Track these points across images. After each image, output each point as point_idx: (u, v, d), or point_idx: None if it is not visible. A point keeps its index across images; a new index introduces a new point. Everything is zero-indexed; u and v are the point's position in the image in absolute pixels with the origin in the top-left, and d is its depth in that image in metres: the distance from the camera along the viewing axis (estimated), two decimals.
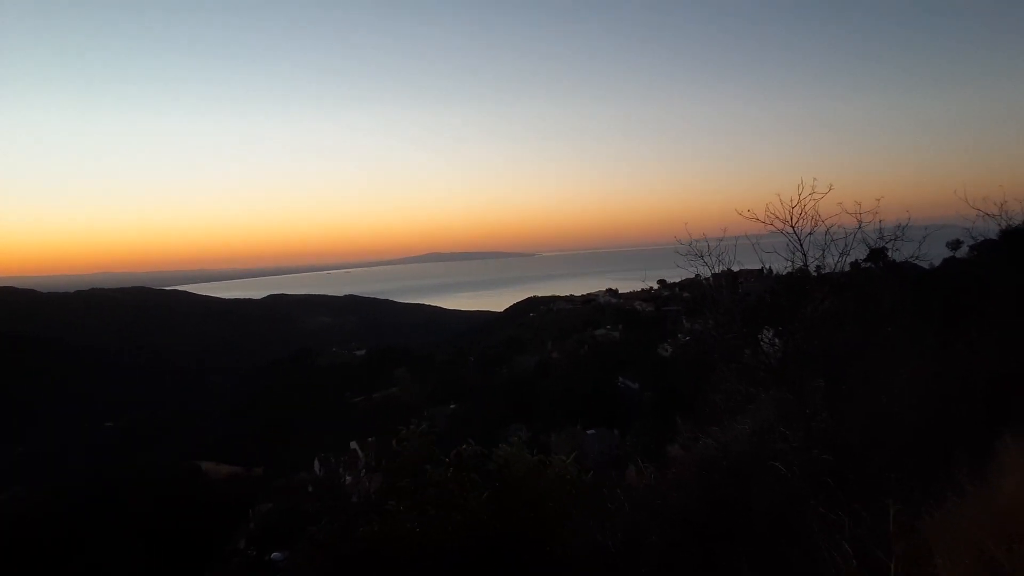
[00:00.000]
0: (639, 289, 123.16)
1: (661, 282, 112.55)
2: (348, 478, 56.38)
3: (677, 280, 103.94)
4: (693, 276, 8.91)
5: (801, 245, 7.61)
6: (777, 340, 8.21)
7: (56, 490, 64.38)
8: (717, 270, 8.24)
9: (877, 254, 8.13)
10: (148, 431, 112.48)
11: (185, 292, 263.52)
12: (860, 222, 7.42)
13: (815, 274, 7.86)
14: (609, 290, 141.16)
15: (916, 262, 8.24)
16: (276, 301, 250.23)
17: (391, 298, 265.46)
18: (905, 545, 3.32)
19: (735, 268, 8.58)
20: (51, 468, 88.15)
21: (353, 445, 66.82)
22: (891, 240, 7.63)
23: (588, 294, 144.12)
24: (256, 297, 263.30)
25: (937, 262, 13.44)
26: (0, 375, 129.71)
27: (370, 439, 64.53)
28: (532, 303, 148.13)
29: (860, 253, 7.89)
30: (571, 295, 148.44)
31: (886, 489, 3.85)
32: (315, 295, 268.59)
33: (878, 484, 4.14)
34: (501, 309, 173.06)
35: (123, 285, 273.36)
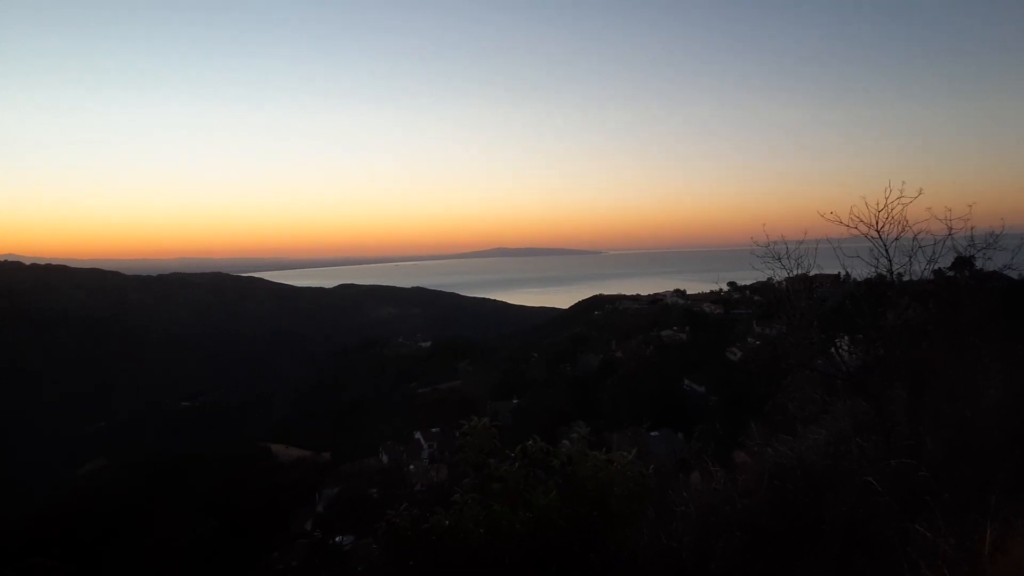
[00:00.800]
0: (708, 291, 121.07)
1: (731, 284, 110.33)
2: (412, 467, 57.32)
3: (748, 283, 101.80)
4: (765, 279, 8.72)
5: (886, 251, 7.36)
6: (855, 348, 7.97)
7: (134, 464, 67.55)
8: (794, 273, 8.04)
9: (964, 262, 7.80)
10: (222, 411, 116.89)
11: (260, 279, 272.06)
12: (950, 229, 7.12)
13: (898, 281, 7.59)
14: (677, 291, 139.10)
15: (1008, 272, 7.87)
16: (346, 290, 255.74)
17: (457, 291, 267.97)
18: (998, 566, 3.20)
19: (812, 272, 8.35)
20: (130, 443, 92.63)
21: (417, 435, 67.86)
22: (982, 248, 7.30)
23: (655, 294, 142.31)
24: (327, 286, 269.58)
25: None
26: (84, 353, 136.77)
27: (434, 430, 65.41)
28: (598, 301, 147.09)
29: (948, 261, 7.58)
30: (637, 294, 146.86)
31: (978, 506, 3.70)
32: (383, 286, 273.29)
33: (969, 501, 3.99)
34: (566, 306, 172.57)
35: (203, 271, 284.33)
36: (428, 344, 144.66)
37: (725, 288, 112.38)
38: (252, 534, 44.19)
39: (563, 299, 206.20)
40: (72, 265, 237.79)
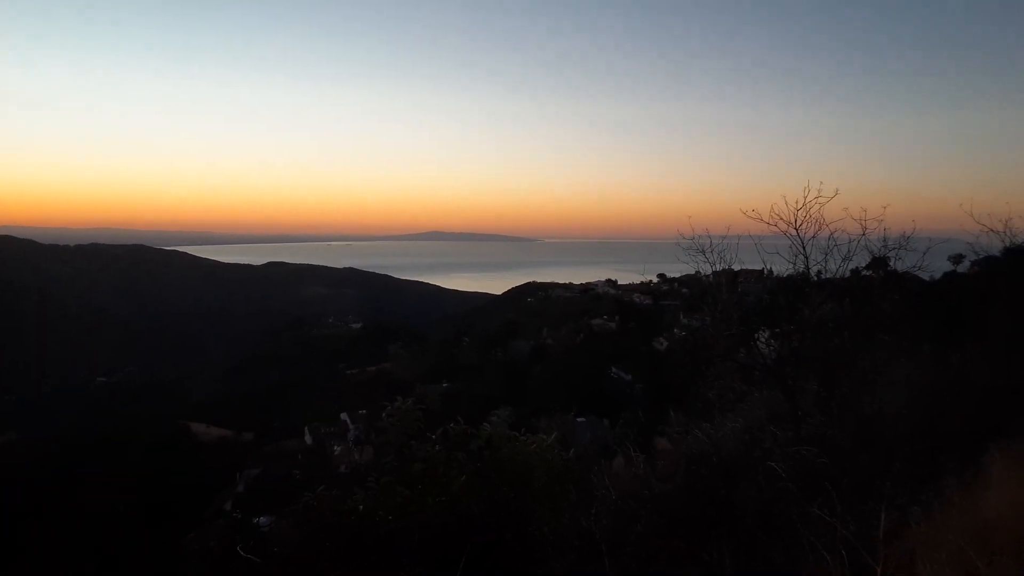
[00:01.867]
0: (638, 282, 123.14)
1: (660, 276, 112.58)
2: (337, 449, 56.65)
3: (677, 275, 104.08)
4: (694, 272, 8.94)
5: (804, 248, 7.61)
6: (773, 341, 8.25)
7: (47, 439, 64.70)
8: (718, 267, 8.26)
9: (879, 262, 8.14)
10: (140, 388, 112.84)
11: (184, 253, 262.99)
12: (864, 229, 7.41)
13: (815, 278, 7.87)
14: (608, 280, 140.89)
15: (918, 273, 8.25)
16: (275, 268, 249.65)
17: (391, 273, 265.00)
18: (891, 550, 3.36)
19: (736, 267, 8.59)
20: (43, 417, 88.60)
21: (344, 416, 67.06)
22: (894, 249, 7.63)
23: (587, 283, 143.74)
24: (255, 263, 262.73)
25: (938, 275, 13.44)
26: None
27: (361, 412, 64.69)
28: (531, 288, 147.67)
29: (863, 260, 7.90)
30: (570, 283, 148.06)
31: (875, 493, 3.89)
32: (314, 265, 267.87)
33: (868, 488, 4.19)
34: (499, 292, 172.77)
35: (123, 242, 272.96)
36: (359, 326, 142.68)
37: (655, 279, 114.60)
38: (170, 514, 42.98)
39: (497, 285, 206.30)
40: None
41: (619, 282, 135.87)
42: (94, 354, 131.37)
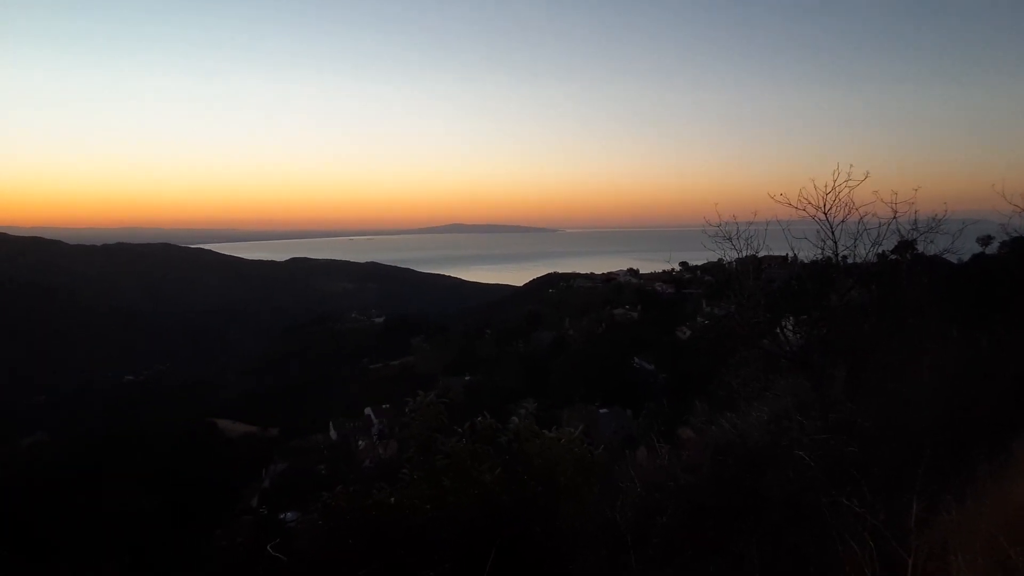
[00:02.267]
0: (661, 270, 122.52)
1: (683, 264, 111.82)
2: (362, 443, 57.09)
3: (700, 263, 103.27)
4: (717, 260, 8.82)
5: (832, 233, 7.47)
6: (799, 328, 8.13)
7: (77, 438, 65.76)
8: (744, 254, 8.14)
9: (906, 246, 7.98)
10: (166, 386, 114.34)
11: (209, 251, 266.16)
12: (896, 212, 7.25)
13: (843, 263, 7.73)
14: (630, 270, 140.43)
15: (946, 256, 8.08)
16: (298, 264, 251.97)
17: (412, 267, 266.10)
18: (922, 540, 3.29)
19: (761, 253, 8.47)
20: (72, 417, 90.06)
21: (368, 411, 67.55)
22: (925, 232, 7.46)
23: (609, 273, 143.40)
24: (279, 260, 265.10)
25: (967, 257, 13.18)
26: (24, 324, 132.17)
27: (385, 406, 65.10)
28: (552, 279, 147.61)
29: (892, 244, 7.74)
30: (591, 273, 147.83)
31: (906, 482, 3.81)
32: (337, 260, 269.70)
33: (898, 477, 4.10)
34: (521, 284, 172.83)
35: (149, 241, 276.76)
36: (382, 320, 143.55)
37: (677, 268, 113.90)
38: (197, 510, 43.50)
39: (518, 276, 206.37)
40: (12, 233, 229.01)
41: (641, 271, 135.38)
42: (121, 353, 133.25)
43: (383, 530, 5.41)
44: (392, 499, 5.73)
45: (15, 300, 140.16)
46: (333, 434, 64.96)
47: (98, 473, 50.13)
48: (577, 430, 7.05)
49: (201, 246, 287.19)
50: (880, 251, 7.77)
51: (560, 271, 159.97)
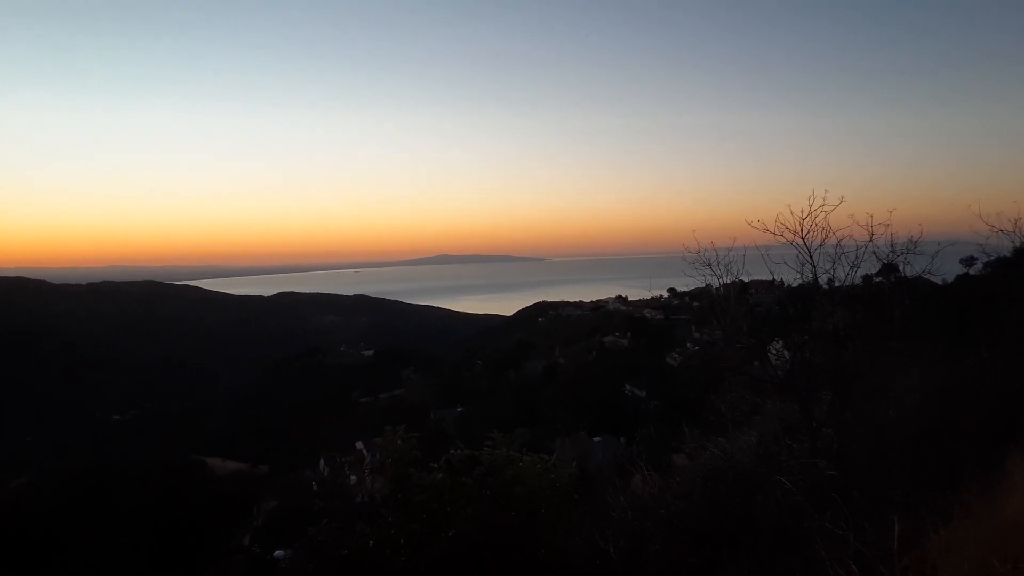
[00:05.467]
0: (649, 297, 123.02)
1: (671, 290, 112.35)
2: (353, 478, 56.46)
3: (687, 289, 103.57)
4: (704, 285, 8.89)
5: (811, 257, 7.57)
6: (785, 352, 8.18)
7: (64, 478, 64.66)
8: (725, 280, 8.21)
9: (889, 268, 8.08)
10: (155, 424, 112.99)
11: (195, 287, 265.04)
12: (871, 235, 7.36)
13: (825, 287, 7.82)
14: (619, 297, 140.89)
15: (929, 277, 8.18)
16: (285, 299, 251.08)
17: (400, 299, 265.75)
18: (909, 561, 3.30)
19: (745, 279, 8.54)
20: (58, 458, 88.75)
21: (359, 445, 66.90)
22: (903, 254, 7.57)
23: (597, 300, 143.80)
24: (266, 294, 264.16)
25: (950, 278, 13.33)
26: (9, 365, 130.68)
27: (376, 439, 64.45)
28: (541, 308, 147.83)
29: (871, 267, 7.83)
30: (580, 301, 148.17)
31: (891, 504, 3.82)
32: (324, 294, 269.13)
33: (883, 499, 4.12)
34: (510, 313, 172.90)
35: (134, 279, 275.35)
36: (371, 352, 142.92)
37: (665, 294, 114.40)
38: (188, 550, 42.82)
39: (507, 306, 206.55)
40: None
41: (629, 298, 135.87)
42: (108, 392, 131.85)
43: (366, 570, 5.36)
44: (371, 542, 5.65)
45: (0, 340, 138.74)
46: (324, 469, 64.23)
47: (88, 513, 49.31)
48: (555, 455, 7.02)
49: (187, 283, 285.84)
50: (864, 274, 7.87)
51: (549, 300, 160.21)
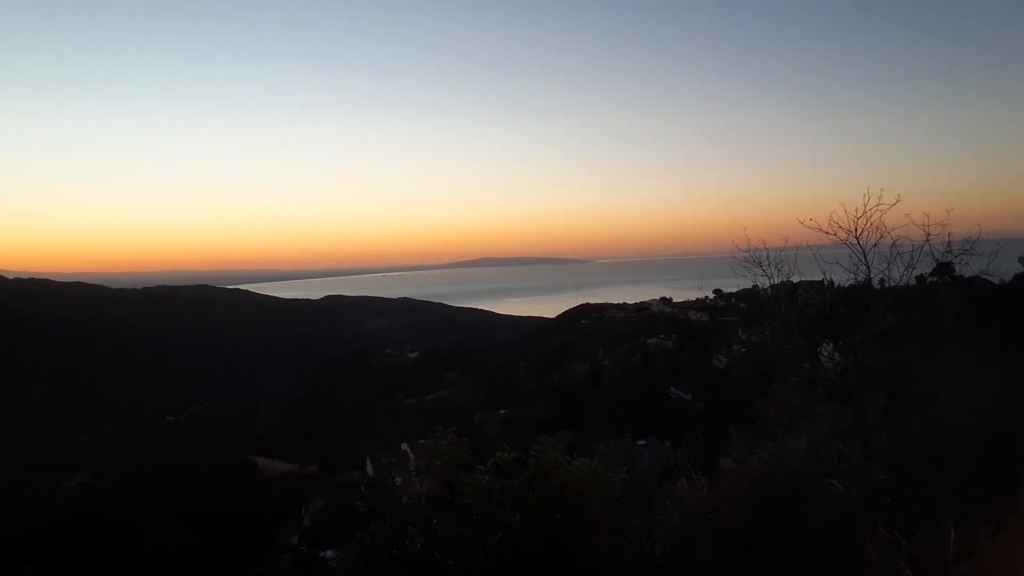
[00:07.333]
0: (694, 298, 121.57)
1: (717, 292, 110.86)
2: (399, 480, 56.94)
3: (734, 290, 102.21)
4: (751, 286, 8.76)
5: (865, 257, 7.42)
6: (837, 354, 8.02)
7: (118, 477, 66.70)
8: (775, 280, 8.09)
9: (944, 268, 7.87)
10: (208, 425, 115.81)
11: (245, 291, 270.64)
12: (928, 235, 7.19)
13: (879, 287, 7.65)
14: (663, 299, 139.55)
15: (986, 277, 7.94)
16: (332, 302, 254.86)
17: (444, 301, 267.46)
18: (964, 569, 3.22)
19: (795, 279, 8.40)
20: (115, 457, 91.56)
21: (404, 447, 67.42)
22: (959, 254, 7.37)
23: (641, 302, 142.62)
24: (313, 298, 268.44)
25: (1008, 277, 12.89)
26: (69, 366, 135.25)
27: (421, 441, 64.98)
28: (584, 310, 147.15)
29: (927, 267, 7.65)
30: (624, 303, 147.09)
31: (946, 510, 3.73)
32: (370, 297, 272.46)
33: (938, 504, 4.02)
34: (553, 315, 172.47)
35: (187, 283, 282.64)
36: (416, 355, 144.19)
37: (711, 296, 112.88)
38: (238, 548, 43.74)
39: (550, 308, 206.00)
40: (55, 279, 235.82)
41: (674, 300, 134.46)
42: (163, 393, 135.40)
43: (415, 571, 5.41)
44: (419, 543, 5.69)
45: (59, 343, 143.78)
46: (370, 470, 64.91)
47: (140, 510, 50.75)
48: (604, 460, 6.98)
49: (237, 286, 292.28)
50: (918, 274, 7.68)
51: (592, 302, 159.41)
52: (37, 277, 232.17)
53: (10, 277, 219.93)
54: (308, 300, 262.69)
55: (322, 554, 36.29)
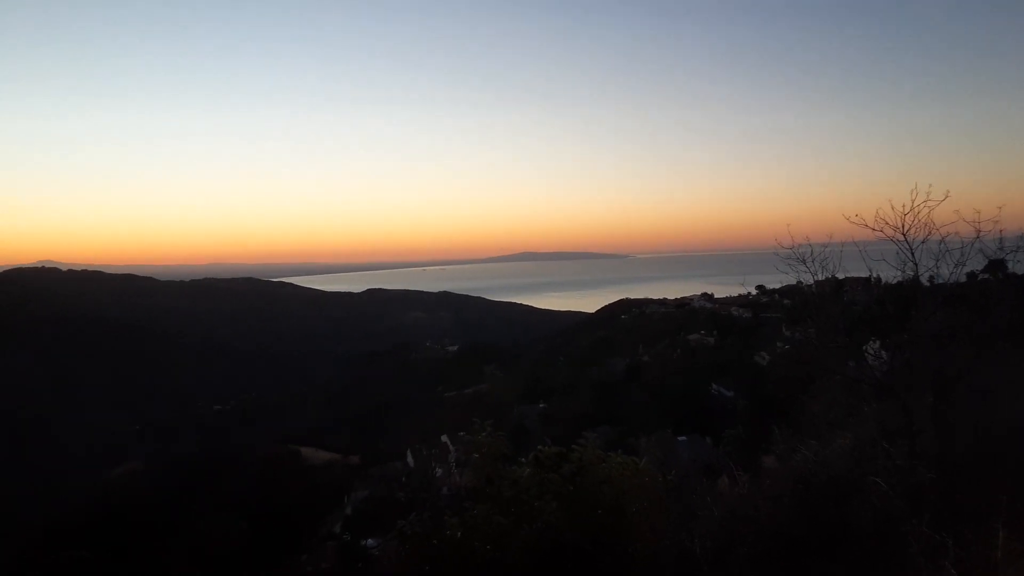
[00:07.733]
0: (736, 295, 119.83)
1: (760, 288, 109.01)
2: (439, 470, 57.50)
3: (777, 286, 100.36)
4: (795, 282, 8.64)
5: (912, 254, 7.27)
6: (883, 352, 7.89)
7: (167, 465, 68.58)
8: (820, 276, 7.98)
9: (996, 265, 7.67)
10: (253, 414, 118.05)
11: (290, 284, 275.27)
12: (979, 231, 7.01)
13: (927, 285, 7.50)
14: (704, 294, 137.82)
15: None
16: (374, 295, 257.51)
17: (484, 296, 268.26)
18: (1013, 572, 3.18)
19: (840, 275, 8.26)
20: (163, 445, 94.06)
21: (444, 438, 68.03)
22: (1013, 251, 7.18)
23: (682, 298, 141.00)
24: (355, 291, 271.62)
25: None
26: (118, 357, 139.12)
27: (460, 433, 65.48)
28: (624, 305, 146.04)
29: (977, 264, 7.46)
30: (664, 298, 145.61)
31: (996, 511, 3.67)
32: (411, 290, 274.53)
33: (987, 505, 3.96)
34: (593, 310, 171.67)
35: (233, 275, 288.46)
36: (455, 348, 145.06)
37: (753, 291, 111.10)
38: (282, 536, 44.61)
39: (590, 303, 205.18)
40: (107, 271, 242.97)
41: (715, 295, 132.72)
42: (210, 384, 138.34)
43: (454, 562, 5.51)
44: (459, 533, 5.78)
45: (110, 334, 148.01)
46: (411, 461, 65.66)
47: (187, 498, 52.08)
48: (645, 457, 6.98)
49: (283, 279, 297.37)
50: (968, 271, 7.50)
51: (632, 297, 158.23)
52: (90, 269, 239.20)
53: (64, 269, 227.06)
54: (350, 293, 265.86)
55: (364, 542, 36.88)
